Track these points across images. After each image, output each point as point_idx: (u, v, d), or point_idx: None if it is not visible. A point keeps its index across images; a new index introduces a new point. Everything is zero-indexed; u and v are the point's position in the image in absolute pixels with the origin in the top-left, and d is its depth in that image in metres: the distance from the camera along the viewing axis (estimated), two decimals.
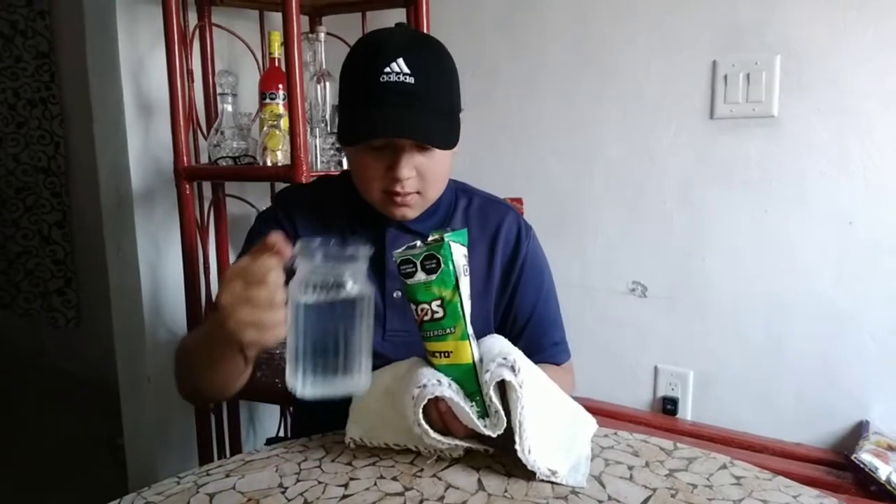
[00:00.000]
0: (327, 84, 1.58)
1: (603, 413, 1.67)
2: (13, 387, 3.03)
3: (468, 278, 0.79)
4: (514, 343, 0.86)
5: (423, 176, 0.91)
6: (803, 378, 1.51)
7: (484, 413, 0.77)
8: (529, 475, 0.76)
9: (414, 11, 1.67)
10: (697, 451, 0.84)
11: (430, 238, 0.79)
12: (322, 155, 1.59)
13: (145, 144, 1.68)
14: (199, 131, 1.70)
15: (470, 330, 0.78)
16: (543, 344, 1.04)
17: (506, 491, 0.74)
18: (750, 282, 1.55)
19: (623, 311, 1.70)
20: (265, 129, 1.53)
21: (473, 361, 0.78)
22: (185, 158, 1.54)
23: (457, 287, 0.76)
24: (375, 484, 0.76)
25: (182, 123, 1.53)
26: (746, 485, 0.76)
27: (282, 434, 1.84)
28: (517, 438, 0.75)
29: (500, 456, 0.80)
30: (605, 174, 1.69)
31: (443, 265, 0.76)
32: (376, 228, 0.99)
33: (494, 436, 0.76)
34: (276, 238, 0.70)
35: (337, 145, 1.58)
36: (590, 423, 0.84)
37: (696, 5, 1.54)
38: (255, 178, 1.66)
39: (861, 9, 1.38)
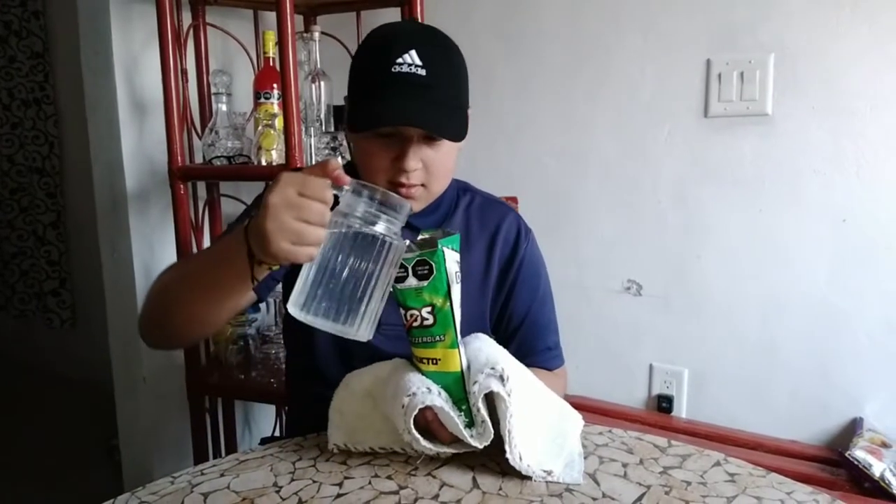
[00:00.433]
0: (322, 83, 1.58)
1: (598, 411, 1.67)
2: (8, 388, 3.02)
3: (460, 285, 0.79)
4: (507, 345, 0.86)
5: (429, 169, 0.92)
6: (798, 375, 1.52)
7: (471, 423, 0.76)
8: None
9: (408, 11, 1.67)
10: (691, 449, 0.84)
11: (421, 237, 0.78)
12: (317, 154, 1.59)
13: (139, 144, 1.67)
14: (193, 131, 1.70)
15: (459, 338, 0.78)
16: (536, 348, 1.04)
17: (500, 489, 0.74)
18: (744, 280, 1.55)
19: (618, 309, 1.70)
20: (260, 128, 1.53)
21: (461, 370, 0.77)
22: (179, 158, 1.53)
23: (448, 295, 0.75)
24: (370, 483, 0.76)
25: (176, 123, 1.52)
26: (740, 482, 0.76)
27: (277, 433, 1.84)
28: (507, 447, 0.75)
29: (494, 454, 0.80)
30: (599, 173, 1.69)
31: (435, 272, 0.75)
32: None
33: (480, 447, 0.76)
34: (337, 164, 0.71)
35: (332, 145, 1.58)
36: (577, 420, 0.84)
37: (690, 5, 1.54)
38: (250, 178, 1.66)
39: (854, 8, 1.39)
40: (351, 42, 1.83)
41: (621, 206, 1.67)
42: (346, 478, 0.77)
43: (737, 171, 1.54)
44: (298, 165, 1.40)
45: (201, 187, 1.74)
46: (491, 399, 0.76)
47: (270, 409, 1.97)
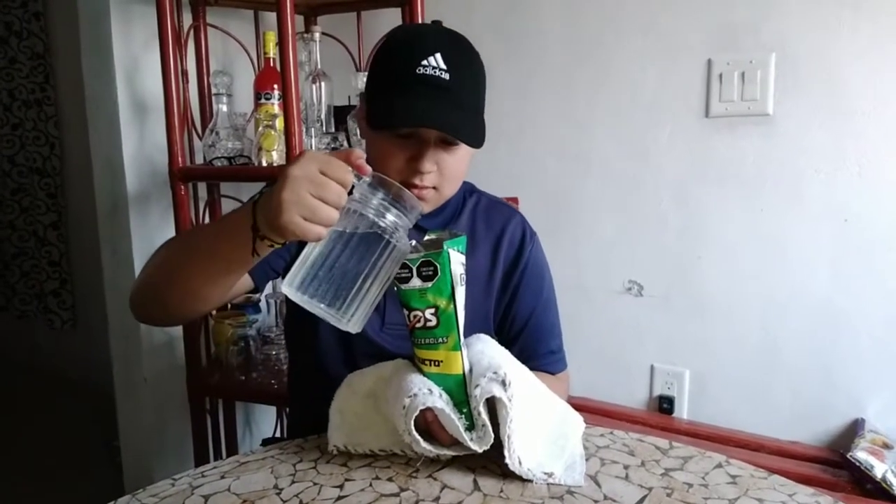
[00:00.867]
0: (322, 84, 1.57)
1: (599, 412, 1.67)
2: (9, 388, 3.02)
3: (464, 288, 0.78)
4: (510, 348, 0.85)
5: (443, 172, 0.92)
6: (799, 376, 1.51)
7: (472, 426, 0.76)
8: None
9: (409, 11, 1.67)
10: (693, 450, 0.84)
11: (427, 238, 0.78)
12: None
13: (140, 145, 1.67)
14: (193, 132, 1.70)
15: (462, 340, 0.77)
16: (539, 351, 1.04)
17: (501, 491, 0.74)
18: (746, 280, 1.55)
19: (619, 310, 1.70)
20: (260, 129, 1.52)
21: (464, 372, 0.77)
22: (179, 159, 1.53)
23: (452, 296, 0.75)
24: (371, 485, 0.76)
25: (177, 124, 1.52)
26: (742, 483, 0.76)
27: (278, 435, 1.84)
28: (506, 452, 0.74)
29: (495, 456, 0.79)
30: (600, 173, 1.69)
31: (440, 273, 0.74)
32: None
33: (480, 451, 0.76)
34: (362, 154, 0.72)
35: (332, 145, 1.58)
36: (578, 423, 0.84)
37: (691, 5, 1.54)
38: (251, 179, 1.66)
39: (856, 7, 1.38)
40: (351, 42, 1.83)
41: (622, 207, 1.67)
42: (346, 480, 0.77)
43: (738, 172, 1.53)
44: None
45: (202, 188, 1.74)
46: (492, 403, 0.75)
47: (271, 411, 1.97)
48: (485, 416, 0.75)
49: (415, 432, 0.76)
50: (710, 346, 1.61)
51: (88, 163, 1.77)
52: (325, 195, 0.68)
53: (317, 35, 1.58)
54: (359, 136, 1.51)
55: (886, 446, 1.36)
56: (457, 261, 0.76)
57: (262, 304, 1.82)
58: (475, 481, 0.76)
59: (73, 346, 3.12)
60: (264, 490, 0.75)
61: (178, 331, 1.68)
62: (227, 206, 1.79)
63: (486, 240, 1.04)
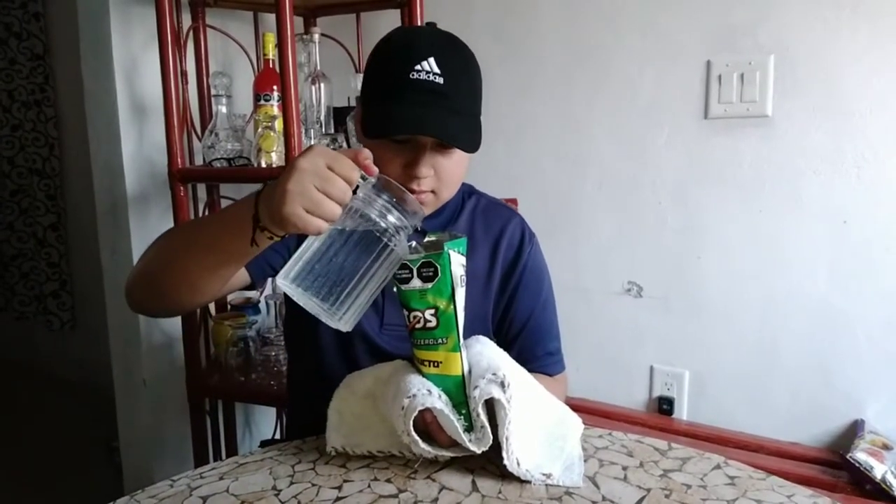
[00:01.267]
0: (322, 85, 1.58)
1: (599, 413, 1.67)
2: (8, 389, 3.02)
3: (464, 289, 0.78)
4: (508, 349, 0.86)
5: (440, 176, 0.92)
6: (798, 377, 1.52)
7: (470, 427, 0.76)
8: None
9: (408, 13, 1.67)
10: (692, 451, 0.84)
11: (427, 239, 0.78)
12: None
13: (139, 146, 1.67)
14: (193, 133, 1.70)
15: (462, 341, 0.77)
16: (537, 353, 1.04)
17: (500, 492, 0.74)
18: (745, 281, 1.55)
19: (618, 311, 1.70)
20: (259, 130, 1.52)
21: (463, 374, 0.77)
22: (179, 160, 1.53)
23: (452, 298, 0.75)
24: (369, 486, 0.76)
25: (176, 125, 1.52)
26: (740, 485, 0.76)
27: (278, 436, 1.84)
28: (504, 454, 0.74)
29: (494, 458, 0.79)
30: (599, 175, 1.69)
31: (440, 274, 0.75)
32: None
33: (479, 452, 0.76)
34: (370, 154, 0.72)
35: (332, 147, 1.57)
36: (577, 424, 0.84)
37: (690, 6, 1.54)
38: (250, 180, 1.65)
39: (854, 9, 1.38)
40: (351, 44, 1.83)
41: (621, 208, 1.67)
42: (345, 481, 0.77)
43: (737, 173, 1.53)
44: None
45: (201, 189, 1.74)
46: (491, 404, 0.76)
47: (271, 412, 1.97)
48: (483, 418, 0.75)
49: (413, 433, 0.76)
50: (710, 347, 1.61)
51: (88, 164, 1.77)
52: (330, 190, 0.68)
53: (316, 36, 1.58)
54: (356, 140, 1.51)
55: (886, 447, 1.36)
56: (457, 262, 0.76)
57: (262, 306, 1.82)
58: (474, 482, 0.76)
59: (72, 348, 3.12)
60: (263, 491, 0.75)
61: (177, 332, 1.68)
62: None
63: (484, 241, 1.04)
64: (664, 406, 1.66)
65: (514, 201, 1.70)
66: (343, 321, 0.72)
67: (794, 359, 1.52)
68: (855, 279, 1.44)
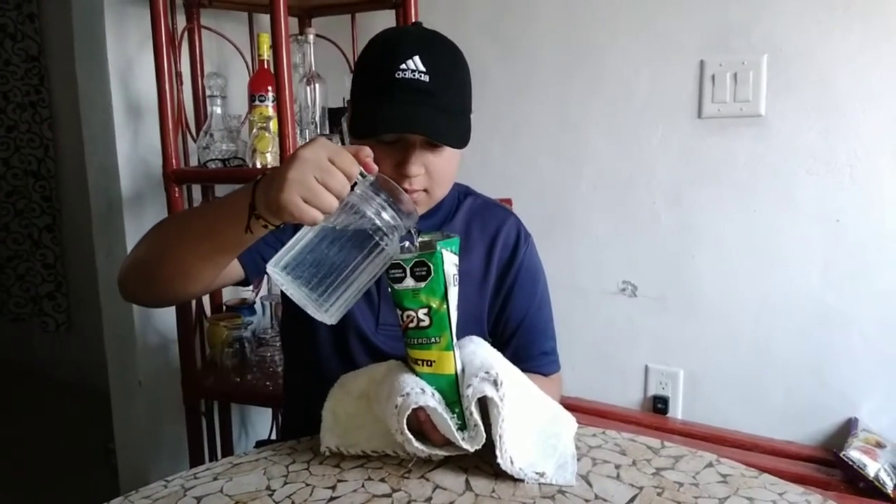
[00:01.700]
0: (316, 86, 1.58)
1: (593, 412, 1.68)
2: (4, 391, 3.01)
3: (457, 288, 0.79)
4: (503, 349, 0.86)
5: (432, 174, 0.92)
6: (792, 376, 1.52)
7: (464, 425, 0.76)
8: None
9: (402, 13, 1.67)
10: (684, 450, 0.85)
11: (420, 239, 0.79)
12: None
13: (134, 147, 1.67)
14: (188, 134, 1.70)
15: (455, 340, 0.78)
16: (532, 352, 1.04)
17: (493, 491, 0.74)
18: (739, 280, 1.55)
19: (613, 310, 1.71)
20: (254, 131, 1.52)
21: (456, 372, 0.78)
22: (174, 161, 1.53)
23: (445, 297, 0.76)
24: (363, 486, 0.76)
25: (171, 126, 1.52)
26: (732, 483, 0.76)
27: (273, 437, 1.84)
28: (498, 452, 0.75)
29: (487, 456, 0.80)
30: (594, 174, 1.69)
31: (433, 273, 0.75)
32: None
33: (472, 450, 0.76)
34: (370, 153, 0.73)
35: None
36: (570, 423, 0.84)
37: (684, 6, 1.54)
38: (245, 181, 1.66)
39: (847, 8, 1.39)
40: (346, 44, 1.83)
41: (616, 207, 1.67)
42: (339, 481, 0.77)
43: (730, 172, 1.54)
44: None
45: (196, 190, 1.74)
46: (484, 403, 0.76)
47: (267, 412, 1.96)
48: (477, 416, 0.75)
49: (407, 431, 0.76)
50: (704, 346, 1.61)
51: (83, 165, 1.77)
52: (330, 182, 0.69)
53: (311, 37, 1.58)
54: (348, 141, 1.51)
55: (879, 445, 1.37)
56: (450, 261, 0.77)
57: (258, 306, 1.82)
58: (467, 481, 0.76)
59: (68, 349, 3.11)
60: (257, 491, 0.75)
61: (172, 333, 1.68)
62: None
63: (480, 241, 1.04)
64: (659, 405, 1.67)
65: (509, 201, 1.69)
66: (329, 314, 0.72)
67: (788, 357, 1.52)
68: (848, 278, 1.45)
